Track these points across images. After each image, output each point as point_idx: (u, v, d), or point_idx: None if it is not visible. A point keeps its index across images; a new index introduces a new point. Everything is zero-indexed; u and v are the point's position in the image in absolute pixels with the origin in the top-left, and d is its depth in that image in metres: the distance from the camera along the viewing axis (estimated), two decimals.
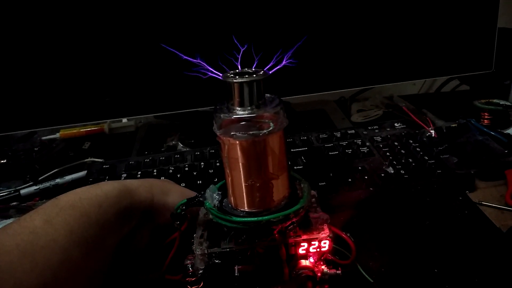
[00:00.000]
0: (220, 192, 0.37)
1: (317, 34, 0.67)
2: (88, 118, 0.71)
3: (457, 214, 0.52)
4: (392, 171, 0.58)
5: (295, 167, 0.60)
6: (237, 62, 0.33)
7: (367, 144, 0.64)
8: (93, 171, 0.65)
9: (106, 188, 0.37)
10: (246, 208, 0.34)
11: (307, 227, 0.36)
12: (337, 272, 0.36)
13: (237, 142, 0.31)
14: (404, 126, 0.69)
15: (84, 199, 0.34)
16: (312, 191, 0.39)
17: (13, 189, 0.67)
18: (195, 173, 0.61)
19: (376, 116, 0.79)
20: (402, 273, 0.43)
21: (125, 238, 0.37)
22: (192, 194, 0.41)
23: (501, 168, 0.58)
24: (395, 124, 0.70)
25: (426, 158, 0.59)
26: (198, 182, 0.59)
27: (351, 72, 0.70)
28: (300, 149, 0.64)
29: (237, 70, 0.33)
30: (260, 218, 0.32)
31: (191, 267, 0.35)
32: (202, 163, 0.63)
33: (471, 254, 0.45)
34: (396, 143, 0.64)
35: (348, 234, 0.43)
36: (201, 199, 0.36)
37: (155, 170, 0.63)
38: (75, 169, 0.72)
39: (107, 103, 0.68)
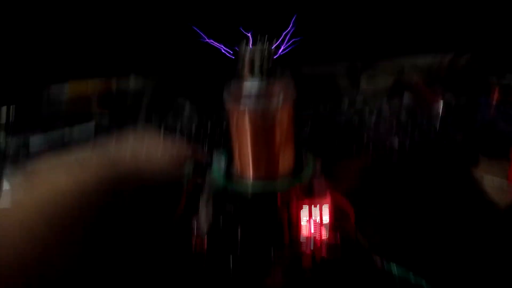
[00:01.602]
0: (226, 157, 0.38)
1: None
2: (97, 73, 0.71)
3: (458, 189, 0.53)
4: (397, 142, 0.58)
5: (301, 134, 0.61)
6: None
7: (375, 113, 0.64)
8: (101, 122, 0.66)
9: None
10: (252, 176, 0.35)
11: (310, 194, 0.37)
12: (336, 240, 0.37)
13: (246, 112, 0.32)
14: (413, 98, 0.69)
15: None
16: (317, 159, 0.40)
17: (22, 138, 0.68)
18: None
19: (386, 87, 0.78)
20: (397, 241, 0.45)
21: None
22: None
23: (506, 147, 0.59)
24: (404, 96, 0.69)
25: (432, 131, 0.60)
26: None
27: (366, 43, 0.69)
28: (307, 115, 0.65)
29: (249, 43, 0.33)
30: (265, 187, 0.33)
31: (196, 228, 0.37)
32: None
33: (467, 227, 0.46)
34: (403, 114, 0.64)
35: (350, 202, 0.45)
36: (209, 163, 0.37)
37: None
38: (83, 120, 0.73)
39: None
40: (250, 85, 0.32)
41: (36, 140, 0.66)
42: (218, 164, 0.37)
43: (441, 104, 0.67)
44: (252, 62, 0.31)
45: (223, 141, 0.60)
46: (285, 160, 0.35)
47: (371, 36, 0.69)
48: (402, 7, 0.67)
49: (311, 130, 0.61)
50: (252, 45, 0.32)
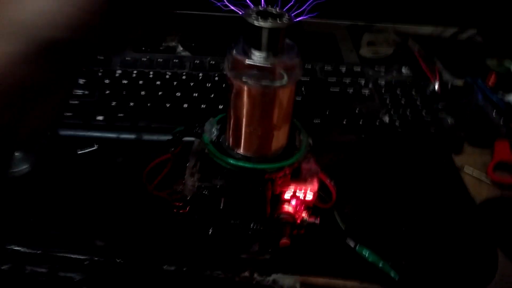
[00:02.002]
0: (218, 126, 0.37)
1: None
2: None
3: (437, 176, 0.54)
4: (388, 120, 0.58)
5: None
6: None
7: (370, 86, 0.63)
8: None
9: None
10: (242, 151, 0.34)
11: (297, 176, 0.37)
12: (315, 221, 0.38)
13: (246, 88, 0.30)
14: (411, 73, 0.67)
15: None
16: (309, 138, 0.39)
17: None
18: (192, 84, 0.60)
19: (386, 55, 0.76)
20: (372, 224, 0.46)
21: None
22: None
23: (492, 138, 0.59)
24: (402, 69, 0.68)
25: (424, 113, 0.59)
26: (194, 94, 0.58)
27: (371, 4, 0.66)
28: (303, 79, 0.63)
29: (260, 8, 0.30)
30: (255, 166, 0.33)
31: (179, 192, 0.36)
32: (200, 74, 0.61)
33: (441, 219, 0.48)
34: (398, 91, 0.63)
35: (332, 182, 0.45)
36: (199, 131, 0.36)
37: (151, 72, 0.61)
38: None
39: None
40: (255, 58, 0.29)
41: None
42: (210, 132, 0.36)
43: (437, 83, 0.66)
44: (260, 33, 0.29)
45: (213, 93, 0.58)
46: (279, 139, 0.34)
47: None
48: None
49: (305, 98, 0.59)
50: (263, 14, 0.29)
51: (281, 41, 0.29)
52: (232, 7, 0.31)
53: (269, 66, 0.29)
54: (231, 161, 0.33)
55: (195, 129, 0.36)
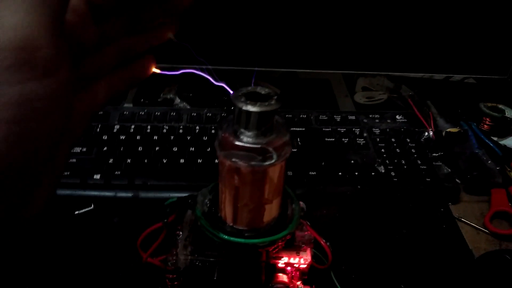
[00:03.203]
0: (211, 196, 0.37)
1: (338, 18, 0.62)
2: None
3: (435, 227, 0.54)
4: (383, 171, 0.58)
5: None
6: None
7: (365, 135, 0.64)
8: None
9: None
10: (234, 224, 0.34)
11: (290, 246, 0.37)
12: (311, 286, 0.37)
13: (236, 167, 0.31)
14: (405, 120, 0.68)
15: None
16: (301, 203, 0.39)
17: None
18: (189, 138, 0.60)
19: (380, 101, 0.77)
20: (369, 282, 0.46)
21: None
22: None
23: (488, 185, 0.59)
24: (397, 116, 0.69)
25: (419, 162, 0.60)
26: (191, 149, 0.59)
27: (363, 55, 0.67)
28: (298, 129, 0.64)
29: (249, 88, 0.31)
30: (247, 241, 0.33)
31: (172, 264, 0.36)
32: (197, 127, 0.62)
33: (440, 274, 0.47)
34: (393, 139, 0.63)
35: (328, 244, 0.45)
36: (191, 203, 0.36)
37: (149, 126, 0.62)
38: None
39: None
40: (244, 138, 0.30)
41: None
42: (202, 203, 0.36)
43: (431, 130, 0.67)
44: (249, 116, 0.30)
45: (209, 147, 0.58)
46: (271, 212, 0.34)
47: (370, 47, 0.67)
48: (405, 23, 0.65)
49: (300, 149, 0.60)
50: (251, 96, 0.30)
51: (270, 121, 0.30)
52: (226, 87, 0.32)
53: (258, 147, 0.30)
54: (223, 237, 0.33)
55: (188, 202, 0.36)
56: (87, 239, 0.49)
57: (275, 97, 0.30)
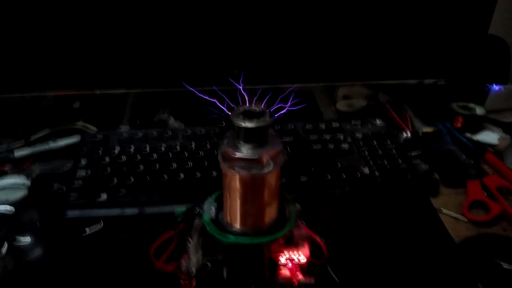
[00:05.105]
0: (216, 204, 0.41)
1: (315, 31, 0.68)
2: (80, 85, 0.72)
3: (418, 219, 0.59)
4: (367, 172, 0.63)
5: None
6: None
7: (348, 140, 0.69)
8: (86, 141, 0.68)
9: None
10: (239, 227, 0.38)
11: (290, 242, 0.41)
12: (310, 281, 0.42)
13: (238, 176, 0.35)
14: (385, 124, 0.74)
15: None
16: (297, 206, 0.44)
17: (5, 148, 0.69)
18: (186, 154, 0.65)
19: (361, 107, 0.83)
20: (363, 273, 0.50)
21: None
22: None
23: (464, 178, 0.65)
24: (377, 121, 0.74)
25: (400, 161, 0.65)
26: (189, 164, 0.63)
27: (342, 67, 0.73)
28: (287, 139, 0.68)
29: (245, 107, 0.36)
30: (252, 241, 0.37)
31: (185, 268, 0.40)
32: (193, 144, 0.67)
33: (425, 260, 0.52)
34: (374, 142, 0.69)
35: (323, 240, 0.49)
36: (199, 210, 0.41)
37: (147, 146, 0.66)
38: (66, 132, 0.74)
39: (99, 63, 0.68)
40: (243, 150, 0.35)
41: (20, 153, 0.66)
42: (209, 211, 0.40)
43: (409, 132, 0.72)
44: (247, 131, 0.34)
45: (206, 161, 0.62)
46: (271, 213, 0.39)
47: (348, 60, 0.73)
48: (376, 33, 0.71)
49: (290, 157, 0.65)
50: (247, 114, 0.35)
51: (265, 135, 0.35)
52: (225, 109, 0.37)
53: (256, 157, 0.34)
54: (231, 238, 0.37)
55: (196, 210, 0.40)
56: (99, 255, 0.52)
57: (268, 114, 0.35)
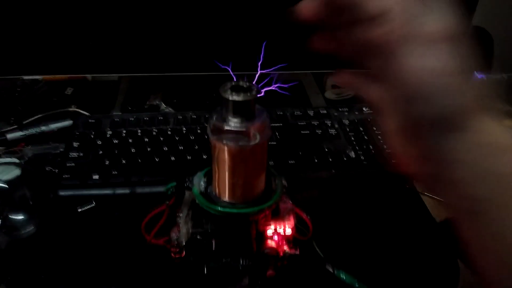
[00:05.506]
0: (205, 179, 0.43)
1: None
2: (72, 70, 0.73)
3: (402, 201, 0.61)
4: (354, 156, 0.65)
5: (270, 143, 0.66)
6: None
7: (336, 126, 0.71)
8: (78, 124, 0.69)
9: None
10: (228, 199, 0.40)
11: (276, 215, 0.43)
12: (296, 252, 0.44)
13: (227, 148, 0.37)
14: (371, 111, 0.76)
15: None
16: (283, 180, 0.46)
17: None
18: (177, 138, 0.66)
19: (348, 96, 0.85)
20: (347, 250, 0.52)
21: None
22: None
23: None
24: (364, 109, 0.76)
25: (385, 147, 0.67)
26: (180, 147, 0.64)
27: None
28: (276, 125, 0.70)
29: (233, 83, 0.37)
30: (240, 211, 0.39)
31: (176, 239, 0.42)
32: (184, 128, 0.68)
33: (408, 238, 0.55)
34: (361, 128, 0.71)
35: (309, 217, 0.51)
36: (189, 185, 0.42)
37: (139, 130, 0.67)
38: (59, 116, 0.75)
39: (90, 47, 0.69)
40: (232, 123, 0.36)
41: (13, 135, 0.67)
42: (198, 184, 0.42)
43: None
44: (234, 104, 0.36)
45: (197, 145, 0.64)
46: (258, 185, 0.40)
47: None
48: None
49: (279, 142, 0.67)
50: (235, 89, 0.36)
51: (252, 108, 0.36)
52: (231, 73, 0.38)
53: (244, 130, 0.36)
54: (219, 209, 0.39)
55: (186, 184, 0.42)
56: (91, 232, 0.54)
57: (255, 89, 0.37)
